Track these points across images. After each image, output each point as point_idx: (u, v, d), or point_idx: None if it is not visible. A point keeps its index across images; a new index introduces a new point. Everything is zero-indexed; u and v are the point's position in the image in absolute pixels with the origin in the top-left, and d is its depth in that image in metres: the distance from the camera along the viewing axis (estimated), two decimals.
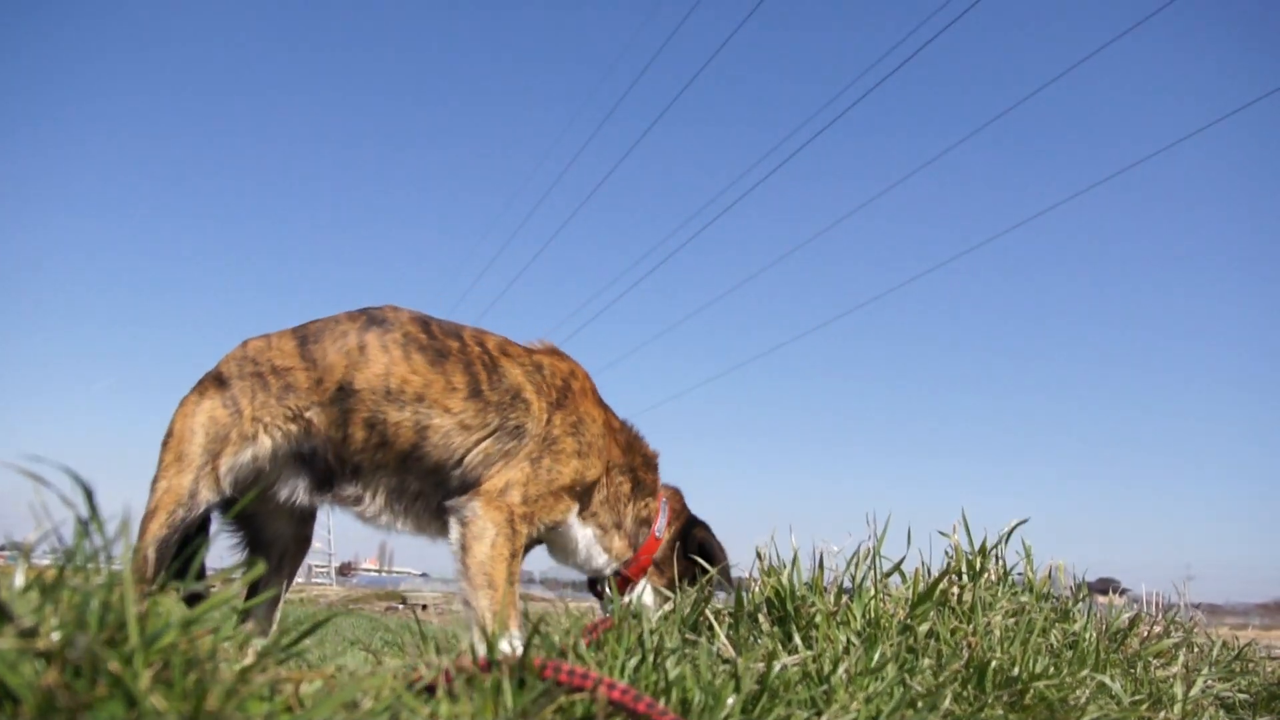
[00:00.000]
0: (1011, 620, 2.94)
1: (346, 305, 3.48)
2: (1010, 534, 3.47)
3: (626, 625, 2.51)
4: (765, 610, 2.75)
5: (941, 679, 2.43)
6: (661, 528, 3.59)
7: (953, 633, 2.76)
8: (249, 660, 1.69)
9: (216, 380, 3.27)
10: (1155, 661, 3.28)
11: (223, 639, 1.70)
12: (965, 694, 2.42)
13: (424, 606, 26.39)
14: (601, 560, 3.53)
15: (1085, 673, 2.65)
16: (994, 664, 2.46)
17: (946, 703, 2.31)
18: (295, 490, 3.26)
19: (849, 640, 2.67)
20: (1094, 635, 3.17)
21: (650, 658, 2.35)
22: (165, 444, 3.21)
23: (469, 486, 3.19)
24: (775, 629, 2.67)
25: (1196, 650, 3.60)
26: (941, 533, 3.43)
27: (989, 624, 2.82)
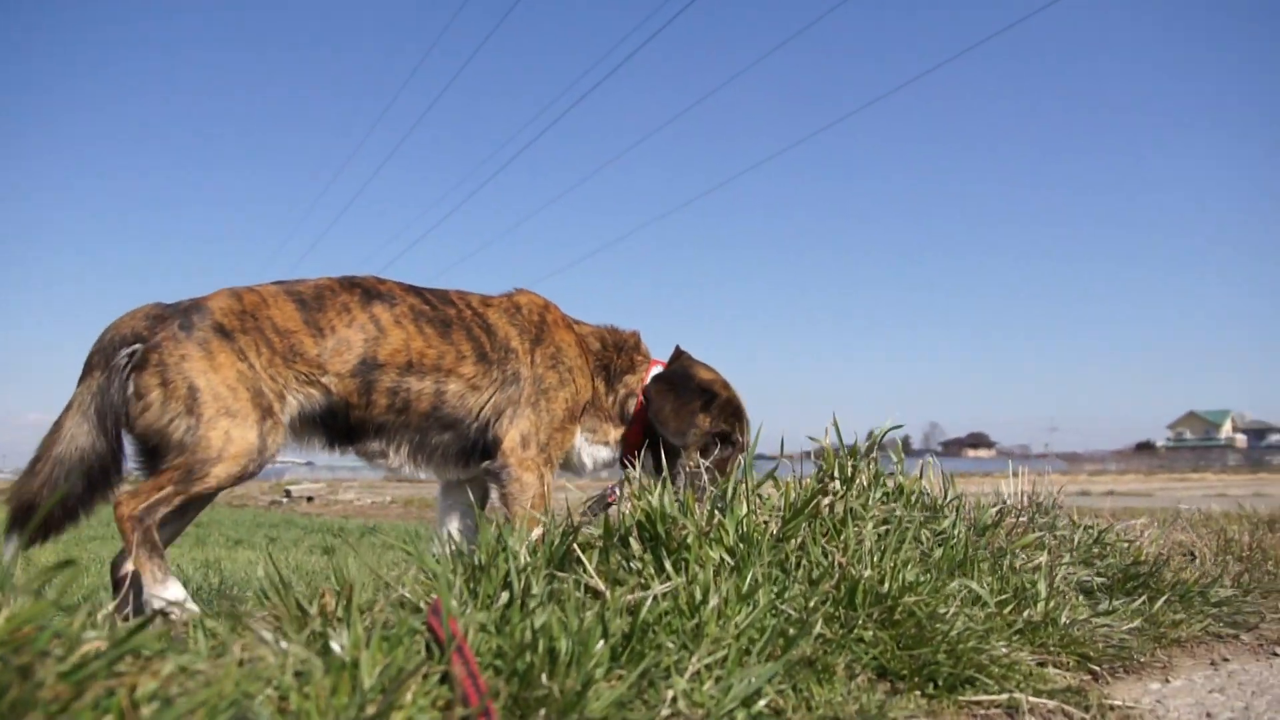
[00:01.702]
0: (883, 529, 2.94)
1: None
2: (883, 436, 3.46)
3: (494, 566, 2.41)
4: (637, 534, 2.68)
5: (812, 602, 2.41)
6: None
7: (825, 549, 2.73)
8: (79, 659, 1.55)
9: (218, 330, 3.21)
10: (1021, 554, 3.34)
11: (48, 638, 1.54)
12: (837, 614, 2.40)
13: (309, 499, 26.00)
14: (605, 454, 3.90)
15: (955, 584, 2.65)
16: (864, 582, 2.44)
17: (818, 627, 2.29)
18: (310, 447, 3.52)
19: (722, 559, 2.63)
20: (963, 532, 3.20)
21: (518, 601, 2.27)
22: (193, 398, 3.10)
23: (485, 437, 3.58)
24: (647, 555, 2.60)
25: (1059, 539, 3.69)
26: (811, 437, 3.40)
27: (860, 536, 2.81)
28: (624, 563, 2.63)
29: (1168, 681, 2.71)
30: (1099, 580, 3.43)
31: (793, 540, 2.75)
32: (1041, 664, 2.64)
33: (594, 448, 3.86)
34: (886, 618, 2.39)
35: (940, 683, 2.25)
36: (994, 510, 3.53)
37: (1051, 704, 2.25)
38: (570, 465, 3.87)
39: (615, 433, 3.87)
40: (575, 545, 2.49)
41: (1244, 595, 3.86)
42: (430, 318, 3.54)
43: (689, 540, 2.61)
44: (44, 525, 3.14)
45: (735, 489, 2.94)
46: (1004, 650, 2.39)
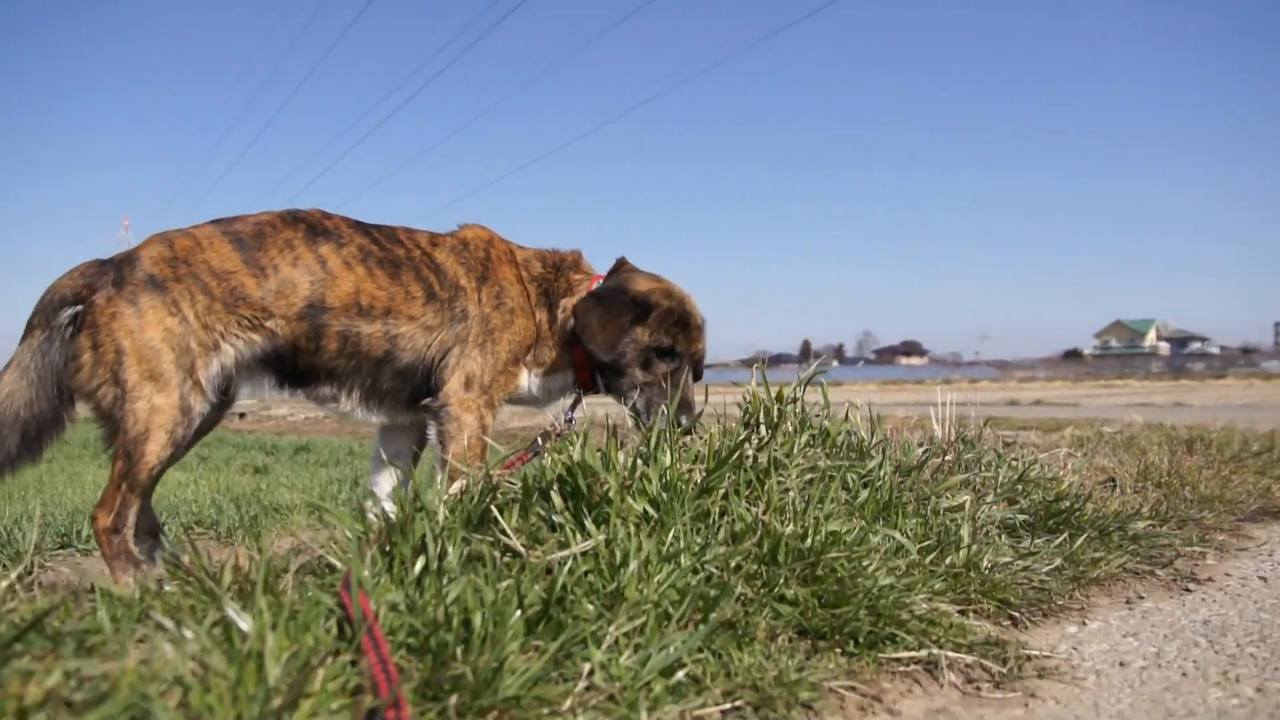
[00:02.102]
0: (809, 477, 2.92)
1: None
2: (809, 379, 3.43)
3: (410, 528, 2.34)
4: (558, 488, 2.62)
5: (734, 561, 2.38)
6: None
7: (748, 499, 2.71)
8: None
9: (149, 283, 3.16)
10: (946, 495, 3.35)
11: None
12: (759, 573, 2.37)
13: (241, 415, 25.62)
14: (558, 381, 3.77)
15: (879, 535, 2.65)
16: (786, 538, 2.41)
17: (739, 588, 2.27)
18: (261, 388, 3.48)
19: (645, 511, 2.59)
20: (888, 475, 3.20)
21: (434, 568, 2.21)
22: (119, 363, 3.09)
23: (434, 377, 3.51)
24: (568, 511, 2.55)
25: (984, 479, 3.72)
26: (735, 383, 3.36)
27: (784, 486, 2.78)
28: (545, 518, 2.59)
29: (1084, 624, 2.75)
30: (1022, 519, 3.47)
31: (716, 491, 2.72)
32: (963, 612, 2.66)
33: (546, 379, 3.74)
34: (809, 574, 2.38)
35: (861, 640, 2.24)
36: (920, 450, 3.52)
37: (970, 658, 2.26)
38: (526, 400, 3.78)
39: (565, 358, 3.73)
40: (493, 506, 2.42)
41: (1160, 525, 3.95)
42: (380, 258, 3.46)
43: (610, 494, 2.56)
44: None
45: (658, 437, 2.90)
46: (925, 604, 2.39)
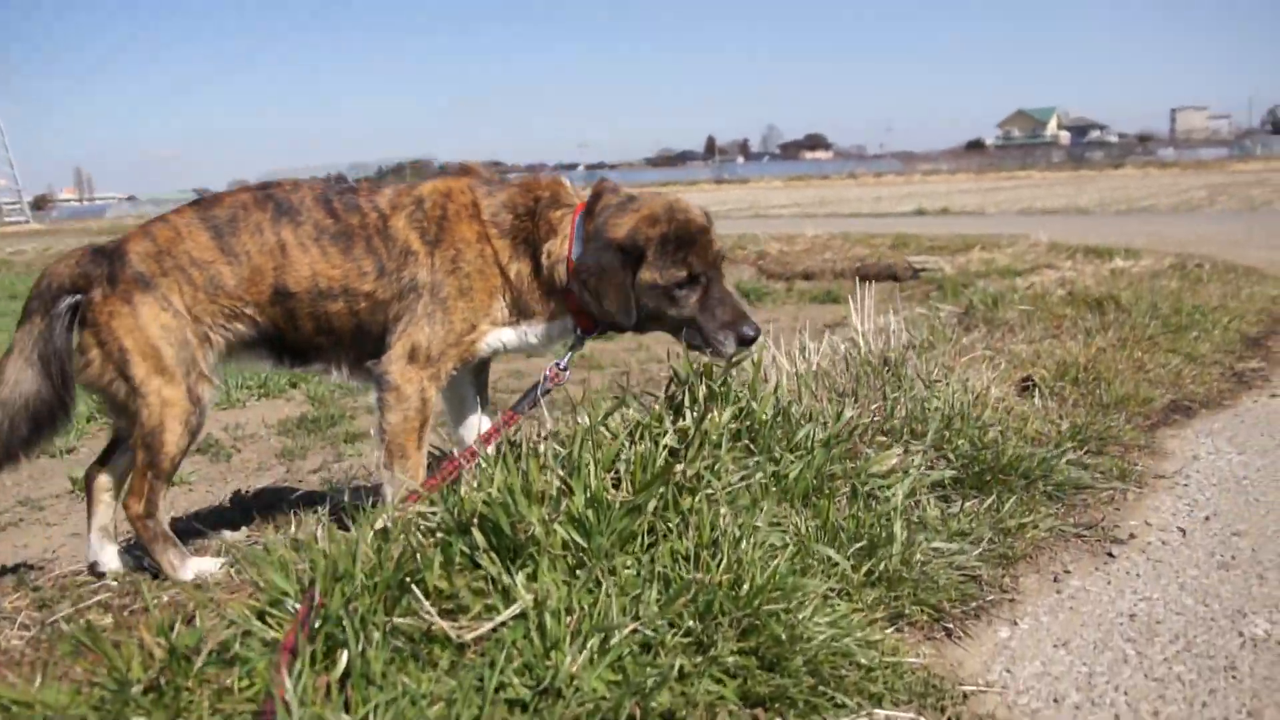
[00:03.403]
0: (739, 484, 2.81)
1: None
2: (738, 361, 3.27)
3: (330, 604, 2.20)
4: (480, 527, 2.48)
5: (669, 616, 2.29)
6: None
7: (679, 519, 2.60)
8: None
9: (137, 280, 3.23)
10: (874, 455, 3.30)
11: None
12: (694, 632, 2.28)
13: None
14: (557, 327, 3.45)
15: (813, 584, 2.57)
16: (721, 592, 2.32)
17: (678, 660, 2.18)
18: (260, 366, 3.57)
19: (571, 540, 2.47)
20: (819, 456, 3.12)
21: (357, 664, 2.07)
22: (125, 360, 3.19)
23: (385, 341, 3.37)
24: (490, 555, 2.42)
25: (913, 428, 3.66)
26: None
27: (713, 499, 2.68)
28: (469, 558, 2.45)
29: (1015, 624, 2.75)
30: (949, 475, 3.43)
31: (645, 509, 2.59)
32: (898, 627, 2.64)
33: (540, 329, 3.42)
34: (748, 625, 2.30)
35: (802, 706, 2.19)
36: (849, 414, 3.43)
37: (908, 715, 2.23)
38: (525, 350, 3.54)
39: (559, 306, 3.37)
40: (410, 578, 2.27)
41: (1080, 452, 3.98)
42: (334, 234, 3.33)
43: (535, 534, 2.43)
44: None
45: (581, 440, 2.75)
46: (863, 648, 2.34)
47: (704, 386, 3.14)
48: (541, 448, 2.90)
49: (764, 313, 12.58)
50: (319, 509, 4.02)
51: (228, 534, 3.89)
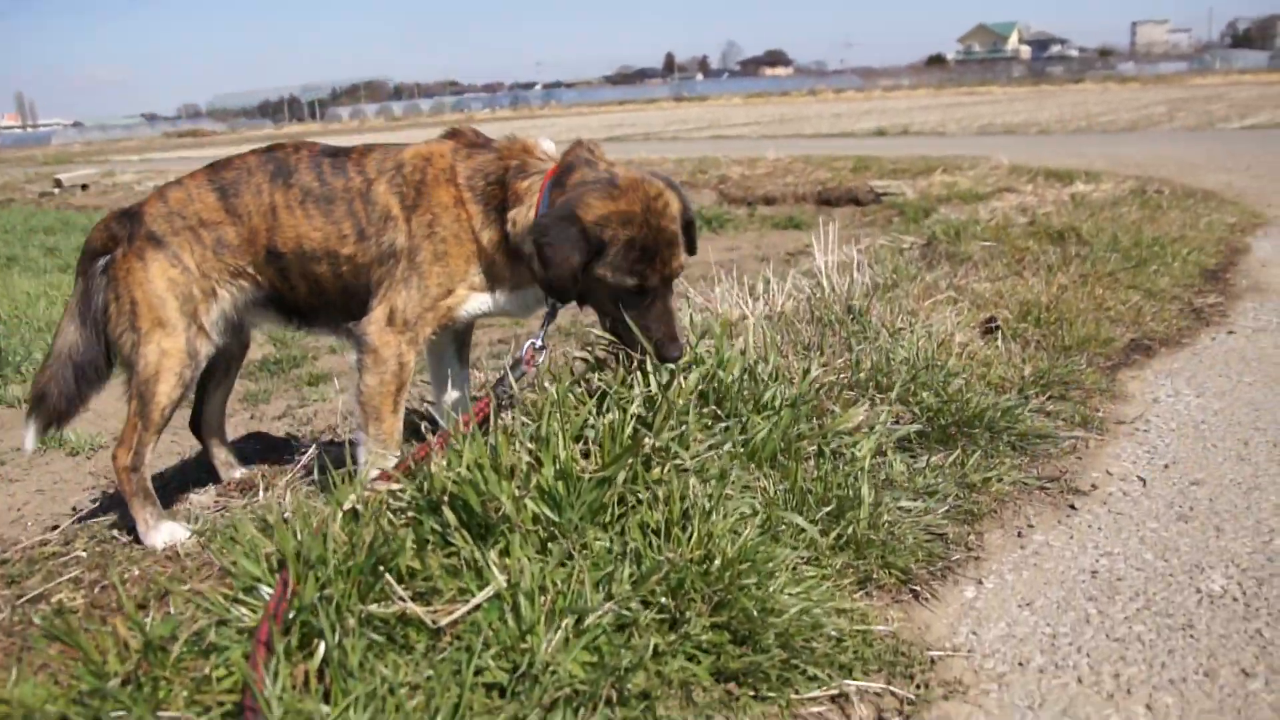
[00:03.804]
0: (707, 450, 2.82)
1: None
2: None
3: (302, 592, 2.19)
4: (450, 505, 2.47)
5: (642, 594, 2.31)
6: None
7: (646, 488, 2.61)
8: None
9: (151, 239, 3.39)
10: (840, 412, 3.32)
11: None
12: (667, 609, 2.31)
13: (84, 187, 24.01)
14: (531, 295, 3.40)
15: (783, 553, 2.59)
16: (692, 569, 2.34)
17: (652, 640, 2.21)
18: (269, 324, 3.71)
19: (542, 515, 2.48)
20: (786, 415, 3.13)
21: (334, 655, 2.08)
22: (134, 313, 3.37)
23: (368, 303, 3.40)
24: (462, 533, 2.42)
25: (878, 377, 3.68)
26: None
27: (682, 467, 2.69)
28: (440, 535, 2.46)
29: (981, 583, 2.80)
30: (915, 429, 3.47)
31: (615, 481, 2.60)
32: (866, 592, 2.69)
33: (512, 296, 3.35)
34: (720, 601, 2.33)
35: (774, 679, 2.23)
36: (814, 375, 3.43)
37: (879, 685, 2.28)
38: (501, 314, 3.47)
39: (528, 275, 3.25)
40: (383, 566, 2.27)
41: (1043, 399, 4.03)
42: (318, 196, 3.36)
43: (505, 512, 2.43)
44: (53, 417, 3.58)
45: (549, 413, 2.74)
46: (831, 619, 2.38)
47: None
48: (509, 420, 2.88)
49: (725, 239, 12.54)
50: (286, 468, 4.02)
51: (195, 496, 3.87)
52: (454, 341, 3.62)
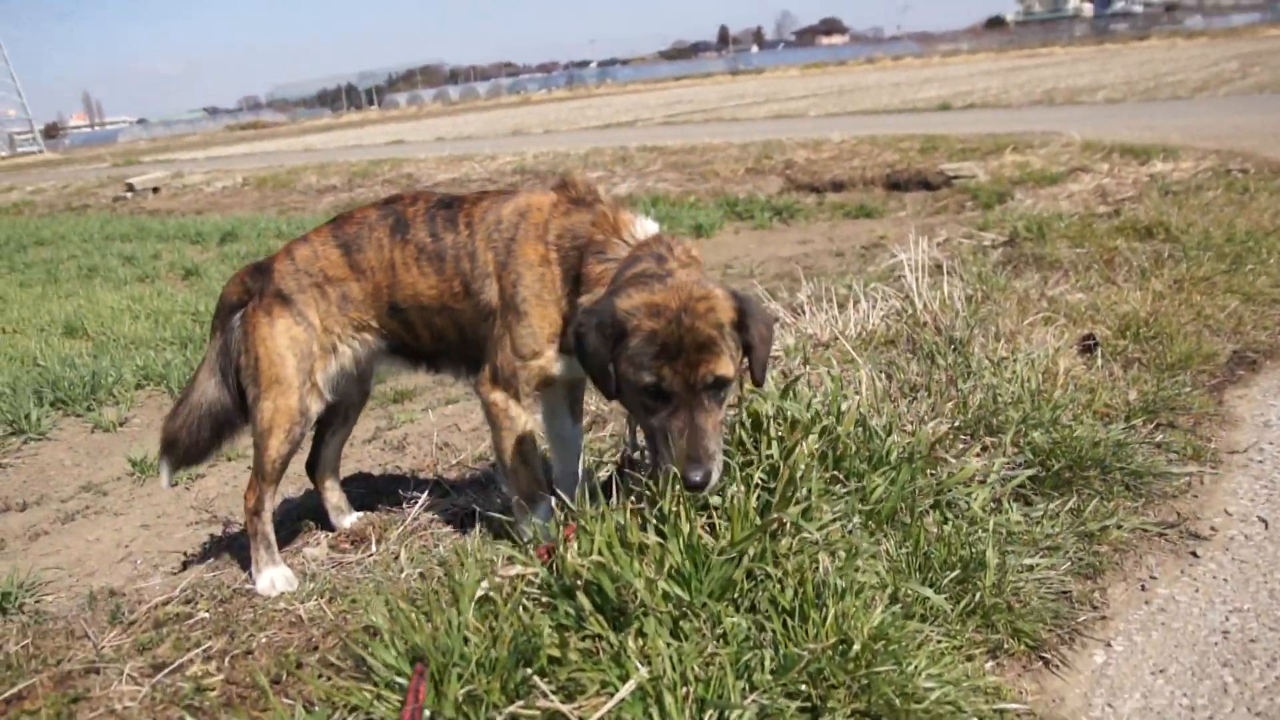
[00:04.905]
0: (832, 521, 2.82)
1: None
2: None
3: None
4: (584, 589, 2.51)
5: (783, 681, 2.33)
6: None
7: (774, 562, 2.62)
8: None
9: (279, 297, 3.55)
10: (955, 464, 3.31)
11: None
12: (810, 695, 2.33)
13: (155, 190, 24.49)
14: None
15: (914, 626, 2.59)
16: (833, 655, 2.36)
17: None
18: (395, 371, 3.87)
19: (671, 611, 2.51)
20: (905, 472, 3.12)
21: None
22: (256, 368, 3.54)
23: None
24: (598, 618, 2.46)
25: (985, 425, 3.65)
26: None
27: (812, 541, 2.69)
28: (575, 621, 2.50)
29: (1109, 646, 2.78)
30: (1028, 475, 3.43)
31: (744, 557, 2.62)
32: (997, 662, 2.68)
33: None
34: (859, 686, 2.34)
35: None
36: (929, 427, 3.42)
37: None
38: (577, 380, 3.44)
39: None
40: (528, 667, 2.31)
41: (1152, 428, 3.97)
42: (431, 253, 3.42)
43: (641, 598, 2.46)
44: (183, 461, 3.85)
45: (672, 494, 2.75)
46: (969, 706, 2.38)
47: (788, 414, 3.12)
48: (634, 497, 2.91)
49: (797, 231, 12.48)
50: (394, 514, 4.10)
51: (309, 550, 3.97)
52: (566, 397, 3.60)
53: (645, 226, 3.15)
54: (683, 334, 2.74)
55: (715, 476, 2.73)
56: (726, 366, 2.75)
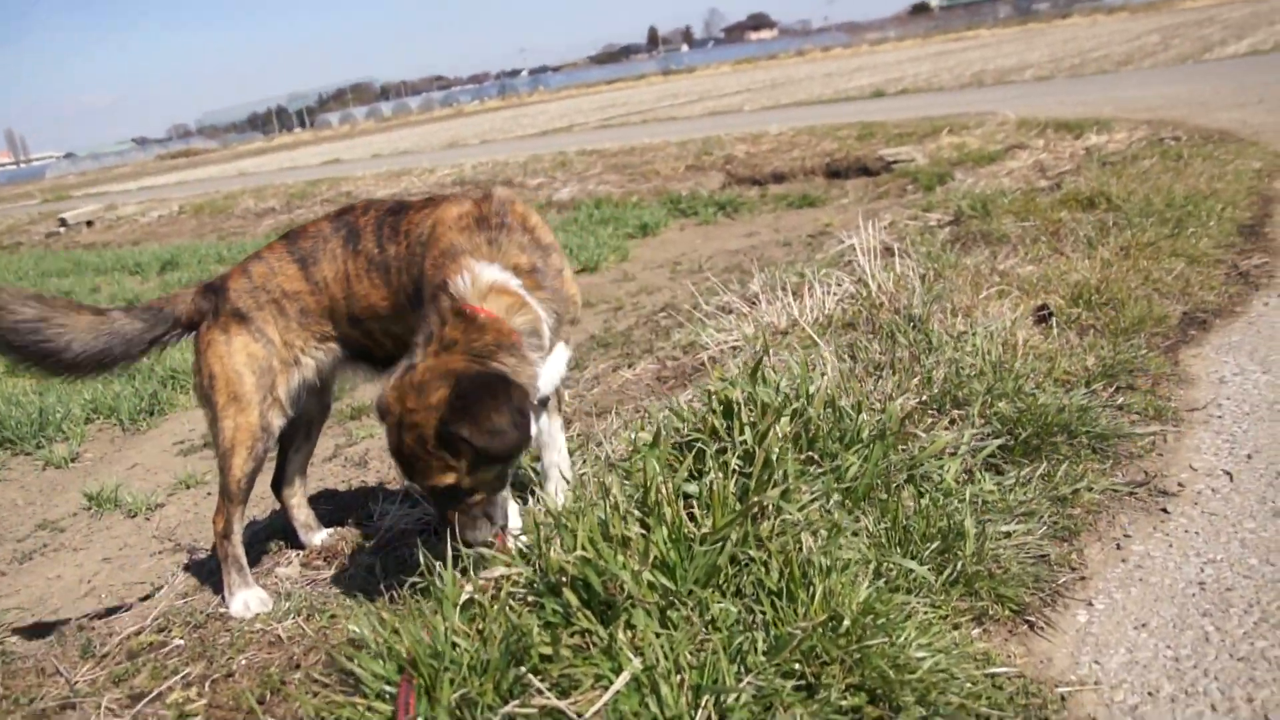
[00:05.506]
0: (811, 501, 2.83)
1: None
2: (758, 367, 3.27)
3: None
4: (570, 585, 2.50)
5: (777, 664, 2.33)
6: None
7: (756, 544, 2.63)
8: None
9: (235, 315, 3.50)
10: (925, 438, 3.33)
11: None
12: (804, 673, 2.33)
13: (89, 224, 24.01)
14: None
15: (900, 598, 2.61)
16: (822, 630, 2.36)
17: (797, 712, 2.23)
18: (357, 379, 3.80)
19: (658, 601, 2.50)
20: (876, 449, 3.14)
21: None
22: (211, 387, 3.49)
23: None
24: (585, 613, 2.44)
25: (954, 393, 3.68)
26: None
27: (797, 538, 2.69)
28: (563, 616, 2.48)
29: (1091, 604, 2.82)
30: (997, 444, 3.46)
31: (727, 541, 2.62)
32: (984, 628, 2.70)
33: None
34: (851, 660, 2.35)
35: None
36: (898, 404, 3.44)
37: None
38: None
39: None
40: (522, 668, 2.29)
41: (1113, 389, 4.03)
42: (378, 264, 3.40)
43: (628, 590, 2.45)
44: None
45: (653, 484, 2.75)
46: (961, 667, 2.40)
47: (758, 399, 3.13)
48: (613, 489, 2.90)
49: (742, 224, 12.51)
50: (365, 530, 4.04)
51: (281, 570, 3.91)
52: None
53: (484, 274, 2.98)
54: (400, 447, 2.87)
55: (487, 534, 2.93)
56: (447, 478, 2.83)
